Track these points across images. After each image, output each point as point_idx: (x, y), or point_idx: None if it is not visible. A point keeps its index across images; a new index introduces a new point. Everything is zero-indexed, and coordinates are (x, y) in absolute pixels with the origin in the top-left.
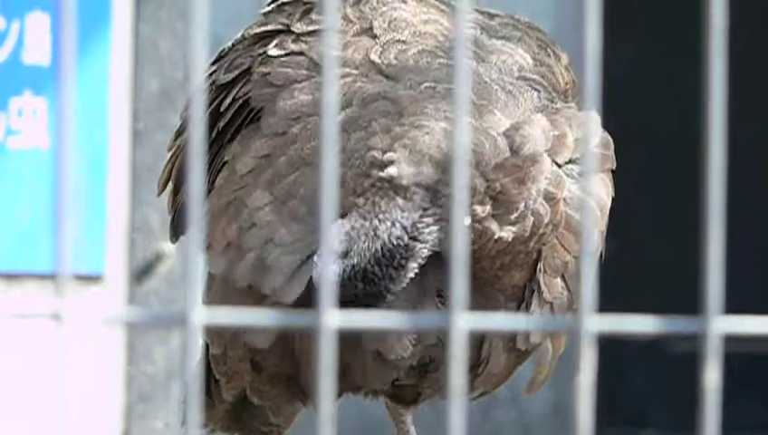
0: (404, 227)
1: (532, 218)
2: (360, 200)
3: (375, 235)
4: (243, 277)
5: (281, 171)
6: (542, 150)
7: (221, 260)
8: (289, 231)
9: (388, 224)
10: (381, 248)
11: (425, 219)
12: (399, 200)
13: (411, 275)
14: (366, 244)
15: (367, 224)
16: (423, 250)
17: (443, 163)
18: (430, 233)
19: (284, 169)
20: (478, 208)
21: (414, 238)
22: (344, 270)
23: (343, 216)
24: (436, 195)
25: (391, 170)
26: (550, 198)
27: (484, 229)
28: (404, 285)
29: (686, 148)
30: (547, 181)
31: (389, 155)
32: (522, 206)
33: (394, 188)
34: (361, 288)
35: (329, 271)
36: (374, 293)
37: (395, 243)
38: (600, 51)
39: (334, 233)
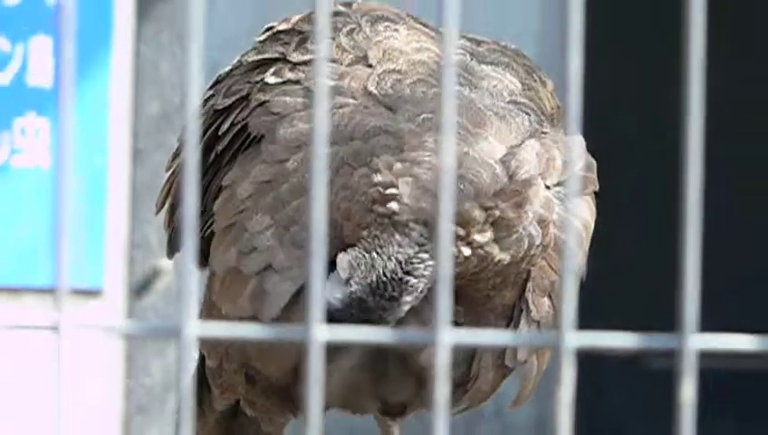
0: (398, 262)
1: (527, 240)
2: (364, 233)
3: (372, 266)
4: (244, 309)
5: (283, 198)
6: (536, 174)
7: (219, 287)
8: (288, 257)
9: (385, 258)
10: (376, 280)
11: (421, 255)
12: (397, 236)
13: (406, 308)
14: (364, 274)
15: (367, 256)
16: (419, 285)
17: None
18: (426, 268)
19: (287, 196)
20: (479, 237)
21: (407, 273)
22: (343, 297)
23: (351, 247)
24: (436, 230)
25: (392, 206)
26: (541, 221)
27: (487, 254)
28: (400, 316)
29: (666, 170)
30: (539, 204)
31: (391, 191)
32: (520, 228)
33: (393, 223)
34: (357, 316)
35: (323, 291)
36: (369, 321)
37: (389, 276)
38: (583, 77)
39: (340, 260)
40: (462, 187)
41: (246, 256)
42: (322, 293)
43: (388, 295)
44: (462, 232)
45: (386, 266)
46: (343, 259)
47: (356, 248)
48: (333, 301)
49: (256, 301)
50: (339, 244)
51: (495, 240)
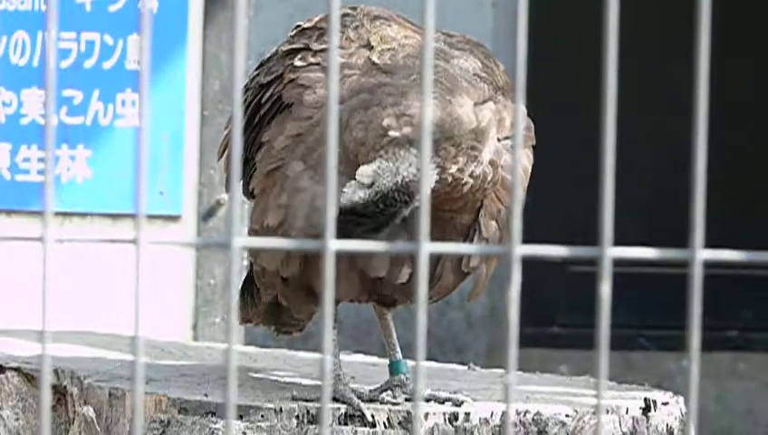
0: (417, 167)
1: (482, 175)
2: (382, 152)
3: (397, 171)
4: (299, 229)
5: (311, 146)
6: (492, 123)
7: (276, 216)
8: (322, 189)
9: (407, 164)
10: (402, 180)
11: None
12: (413, 149)
13: (412, 206)
14: (389, 177)
15: (390, 165)
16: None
17: (438, 127)
18: (432, 175)
19: (314, 144)
20: (453, 166)
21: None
22: (369, 195)
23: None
24: (436, 148)
25: (405, 130)
26: (492, 163)
27: (457, 179)
28: (405, 214)
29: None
30: (492, 151)
31: (405, 119)
32: (482, 159)
33: (408, 141)
34: (381, 209)
35: (347, 198)
36: (389, 214)
37: (411, 178)
38: (527, 61)
39: (362, 171)
40: (447, 124)
41: (293, 194)
42: (337, 204)
43: (410, 192)
44: (445, 156)
45: (408, 170)
46: (366, 169)
47: (376, 162)
48: (356, 198)
49: (309, 226)
50: (355, 170)
51: (463, 169)
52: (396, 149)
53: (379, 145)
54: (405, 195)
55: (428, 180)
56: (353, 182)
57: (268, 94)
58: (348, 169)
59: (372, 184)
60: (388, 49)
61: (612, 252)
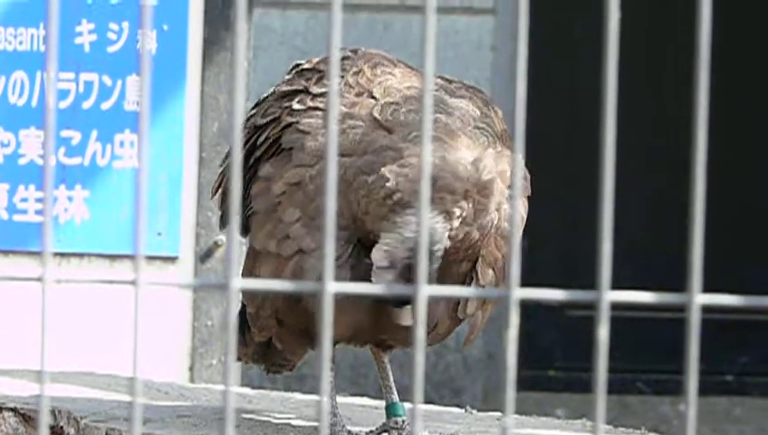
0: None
1: (490, 223)
2: (384, 223)
3: (403, 239)
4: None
5: (310, 195)
6: (496, 175)
7: (259, 262)
8: (313, 240)
9: (411, 226)
10: (413, 244)
11: (435, 225)
12: (409, 210)
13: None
14: (400, 249)
15: (393, 236)
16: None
17: (434, 178)
18: (440, 223)
19: (313, 193)
20: (457, 210)
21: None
22: (395, 275)
23: (370, 233)
24: (433, 199)
25: (405, 186)
26: (498, 207)
27: (468, 232)
28: (436, 265)
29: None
30: (500, 196)
31: (403, 176)
32: (491, 210)
33: (402, 205)
34: (409, 276)
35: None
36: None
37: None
38: (526, 109)
39: (376, 257)
40: (444, 180)
41: (282, 241)
42: (332, 259)
43: (433, 253)
44: (450, 209)
45: (413, 230)
46: (377, 254)
47: (381, 241)
48: (389, 284)
49: (295, 277)
50: (360, 232)
51: (472, 222)
52: (395, 218)
53: (381, 213)
54: (432, 257)
55: (428, 226)
56: (375, 270)
57: (264, 137)
58: (351, 224)
59: (391, 263)
60: (391, 103)
61: (610, 296)
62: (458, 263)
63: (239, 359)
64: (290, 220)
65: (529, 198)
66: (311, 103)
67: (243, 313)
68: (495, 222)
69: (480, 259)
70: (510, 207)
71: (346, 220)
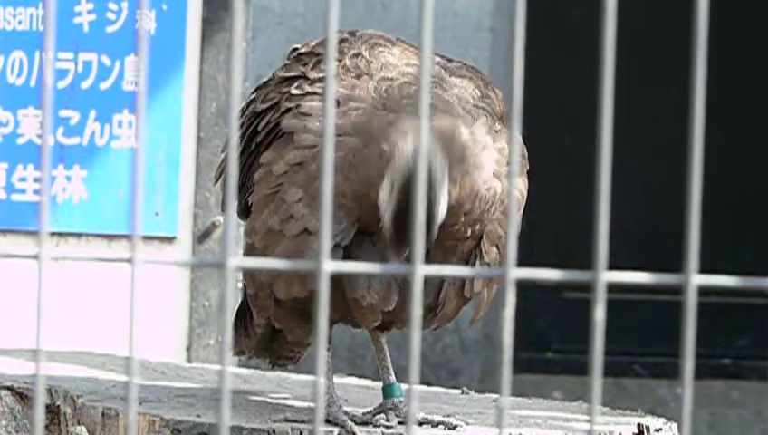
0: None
1: (490, 197)
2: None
3: (398, 176)
4: (281, 256)
5: (313, 174)
6: (489, 145)
7: (262, 242)
8: (318, 220)
9: (404, 162)
10: (407, 170)
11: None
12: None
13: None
14: (398, 179)
15: (392, 179)
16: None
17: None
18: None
19: (316, 173)
20: (453, 190)
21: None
22: (394, 199)
23: (375, 214)
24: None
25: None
26: (496, 176)
27: (459, 207)
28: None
29: (579, 153)
30: (495, 165)
31: (399, 146)
32: (486, 180)
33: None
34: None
35: (387, 216)
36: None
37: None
38: (523, 90)
39: (381, 200)
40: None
41: (286, 221)
42: (329, 234)
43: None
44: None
45: (407, 159)
46: (382, 198)
47: (381, 190)
48: (389, 209)
49: (299, 257)
50: (366, 216)
51: (466, 187)
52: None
53: (380, 170)
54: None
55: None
56: (381, 204)
57: (264, 122)
58: (353, 203)
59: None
60: (387, 78)
61: (607, 276)
62: (463, 241)
63: (242, 353)
64: (292, 200)
65: (529, 174)
66: (308, 88)
67: (244, 305)
68: (499, 194)
69: (484, 236)
70: (508, 185)
71: (348, 202)
